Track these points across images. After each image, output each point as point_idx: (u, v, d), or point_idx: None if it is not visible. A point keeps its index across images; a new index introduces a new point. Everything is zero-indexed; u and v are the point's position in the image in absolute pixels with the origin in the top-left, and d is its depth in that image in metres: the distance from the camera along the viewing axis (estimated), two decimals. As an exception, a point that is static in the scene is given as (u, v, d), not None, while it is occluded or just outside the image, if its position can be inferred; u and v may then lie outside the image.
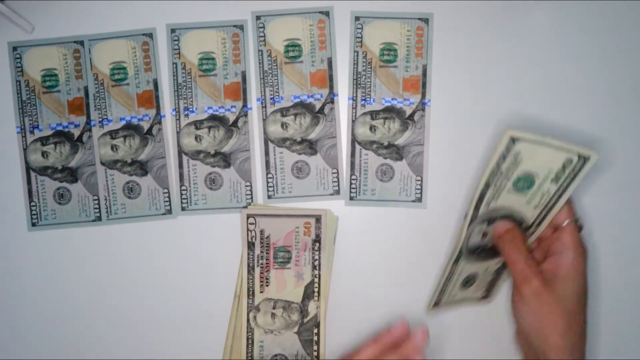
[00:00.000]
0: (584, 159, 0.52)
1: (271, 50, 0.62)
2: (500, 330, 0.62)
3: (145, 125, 0.63)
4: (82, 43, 0.62)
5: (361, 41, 0.61)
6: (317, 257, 0.62)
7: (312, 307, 0.62)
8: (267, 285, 0.62)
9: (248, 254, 0.61)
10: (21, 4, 0.61)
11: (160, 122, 0.63)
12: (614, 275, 0.62)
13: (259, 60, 0.62)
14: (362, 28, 0.61)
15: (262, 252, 0.61)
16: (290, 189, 0.62)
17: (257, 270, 0.62)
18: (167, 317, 0.63)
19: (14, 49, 0.62)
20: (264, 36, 0.62)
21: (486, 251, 0.58)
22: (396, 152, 0.62)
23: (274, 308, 0.62)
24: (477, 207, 0.55)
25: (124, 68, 0.62)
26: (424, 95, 0.62)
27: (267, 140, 0.62)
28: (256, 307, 0.62)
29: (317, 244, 0.61)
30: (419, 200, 0.62)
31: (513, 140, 0.52)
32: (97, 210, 0.63)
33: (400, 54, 0.61)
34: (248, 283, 0.62)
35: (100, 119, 0.62)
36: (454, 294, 0.61)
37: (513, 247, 0.55)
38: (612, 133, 0.62)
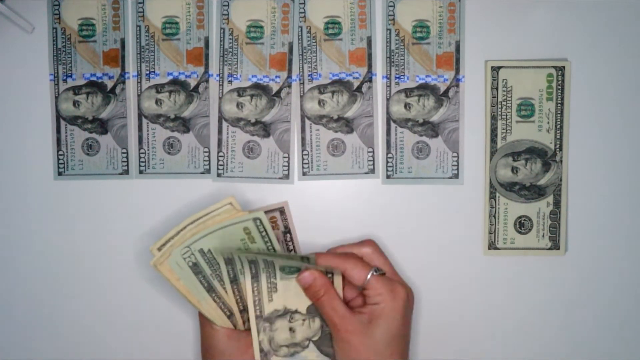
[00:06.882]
0: (561, 70, 0.59)
1: (311, 27, 0.61)
2: (500, 329, 0.63)
3: (192, 83, 0.62)
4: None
5: (393, 19, 0.61)
6: (291, 247, 0.62)
7: None
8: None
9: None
10: (21, 4, 0.59)
11: (207, 81, 0.62)
12: (613, 274, 0.62)
13: (298, 36, 0.61)
14: (394, 6, 0.61)
15: None
16: (326, 167, 0.62)
17: None
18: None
19: (53, -5, 0.60)
20: (304, 12, 0.61)
21: (527, 189, 0.61)
22: (431, 129, 0.62)
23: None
24: (493, 140, 0.60)
25: (177, 23, 0.61)
26: (457, 71, 0.61)
27: (303, 116, 0.62)
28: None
29: (289, 235, 0.61)
30: (456, 176, 0.62)
31: (496, 69, 0.60)
32: (124, 164, 0.62)
33: (432, 30, 0.61)
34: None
35: (148, 72, 0.62)
36: (512, 238, 0.61)
37: (323, 302, 0.53)
38: None
